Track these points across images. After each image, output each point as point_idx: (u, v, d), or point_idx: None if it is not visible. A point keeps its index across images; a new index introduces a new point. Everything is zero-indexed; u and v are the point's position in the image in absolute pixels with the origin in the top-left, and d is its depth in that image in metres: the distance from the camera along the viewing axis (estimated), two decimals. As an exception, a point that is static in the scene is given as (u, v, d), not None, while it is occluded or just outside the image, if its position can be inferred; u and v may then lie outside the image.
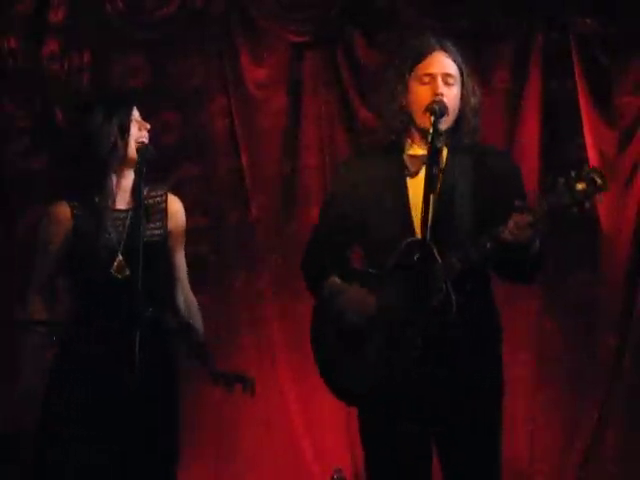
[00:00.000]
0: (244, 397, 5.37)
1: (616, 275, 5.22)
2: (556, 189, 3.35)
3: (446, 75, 3.57)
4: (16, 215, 5.43)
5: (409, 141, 3.64)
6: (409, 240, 3.49)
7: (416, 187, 3.55)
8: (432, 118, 3.48)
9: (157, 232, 3.76)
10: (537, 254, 3.47)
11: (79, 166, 3.73)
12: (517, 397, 5.22)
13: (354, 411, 3.68)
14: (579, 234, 5.11)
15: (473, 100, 3.62)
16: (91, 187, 3.70)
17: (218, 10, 5.48)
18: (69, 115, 5.36)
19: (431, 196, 3.40)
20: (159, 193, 3.80)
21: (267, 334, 5.46)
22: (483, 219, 3.52)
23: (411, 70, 3.61)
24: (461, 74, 3.61)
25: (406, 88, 3.60)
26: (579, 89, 5.25)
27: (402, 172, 3.60)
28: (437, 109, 3.49)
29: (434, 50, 3.60)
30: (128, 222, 3.71)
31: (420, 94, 3.57)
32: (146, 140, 3.71)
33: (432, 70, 3.57)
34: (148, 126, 3.72)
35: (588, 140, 5.25)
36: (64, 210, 3.72)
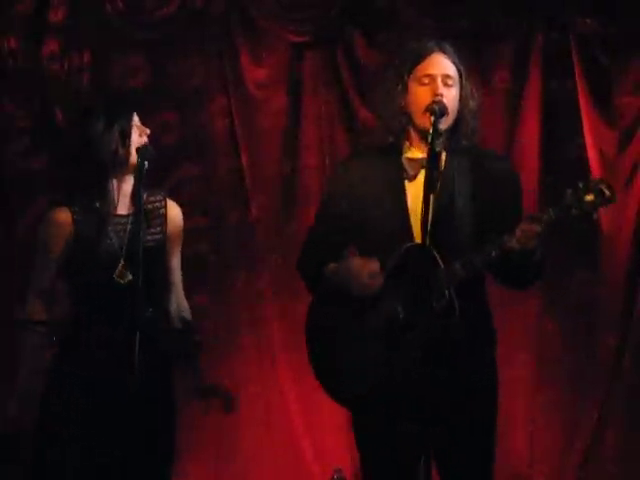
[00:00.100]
0: (244, 397, 5.41)
1: (616, 275, 5.22)
2: (564, 200, 3.37)
3: (445, 76, 3.58)
4: (16, 215, 5.43)
5: (407, 144, 3.65)
6: (409, 245, 3.50)
7: (414, 190, 3.56)
8: (432, 118, 3.48)
9: (157, 237, 3.77)
10: (539, 261, 3.48)
11: (79, 167, 3.73)
12: (517, 398, 5.23)
13: (354, 411, 3.69)
14: (579, 234, 5.10)
15: (472, 102, 3.63)
16: (91, 192, 3.70)
17: (218, 10, 5.48)
18: (69, 115, 5.36)
19: (431, 198, 3.40)
20: (158, 198, 3.81)
21: (267, 334, 5.46)
22: (482, 221, 3.54)
23: (410, 71, 3.61)
24: (460, 76, 3.62)
25: (405, 89, 3.61)
26: (579, 89, 5.26)
27: (401, 175, 3.61)
28: (437, 109, 3.50)
29: (433, 51, 3.61)
30: (129, 227, 3.72)
31: (420, 95, 3.57)
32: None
33: (432, 71, 3.58)
34: (148, 131, 3.73)
35: (588, 140, 5.25)
36: (65, 215, 3.71)
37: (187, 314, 3.85)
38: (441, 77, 3.58)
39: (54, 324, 3.70)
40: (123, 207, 3.74)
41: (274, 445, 5.41)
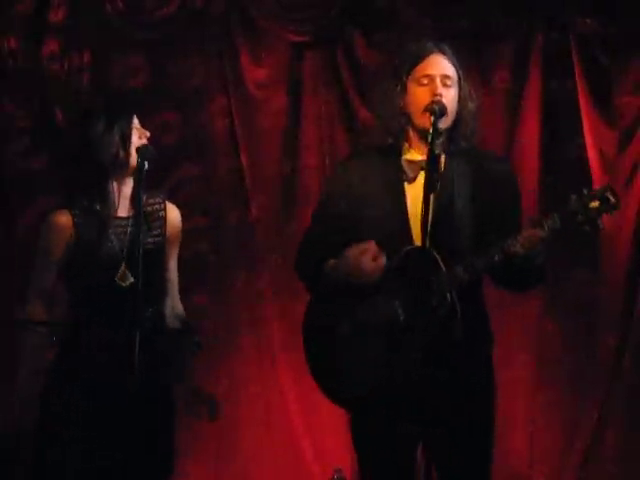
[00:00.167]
0: (244, 397, 5.41)
1: (616, 275, 5.22)
2: (569, 206, 3.38)
3: (444, 77, 3.59)
4: (16, 215, 5.43)
5: (406, 145, 3.65)
6: (410, 247, 3.50)
7: (414, 192, 3.56)
8: (432, 118, 3.48)
9: (157, 239, 3.77)
10: (540, 265, 3.49)
11: (79, 167, 3.73)
12: (517, 398, 5.23)
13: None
14: (579, 234, 5.10)
15: (470, 104, 3.63)
16: (92, 193, 3.70)
17: (218, 10, 5.48)
18: (69, 115, 5.36)
19: (431, 199, 3.40)
20: (157, 200, 3.81)
21: (267, 334, 5.46)
22: (482, 223, 3.54)
23: (409, 72, 3.62)
24: (458, 77, 3.62)
25: (404, 90, 3.61)
26: (579, 89, 5.25)
27: (400, 176, 3.61)
28: (437, 109, 3.50)
29: (432, 52, 3.62)
30: (129, 230, 3.72)
31: (419, 95, 3.58)
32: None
33: (430, 71, 3.59)
34: (148, 134, 3.73)
35: (588, 140, 5.25)
36: (65, 218, 3.71)
37: (181, 316, 3.85)
38: (440, 77, 3.58)
39: (54, 324, 3.70)
40: (123, 209, 3.74)
41: (274, 445, 5.41)
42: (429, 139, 3.45)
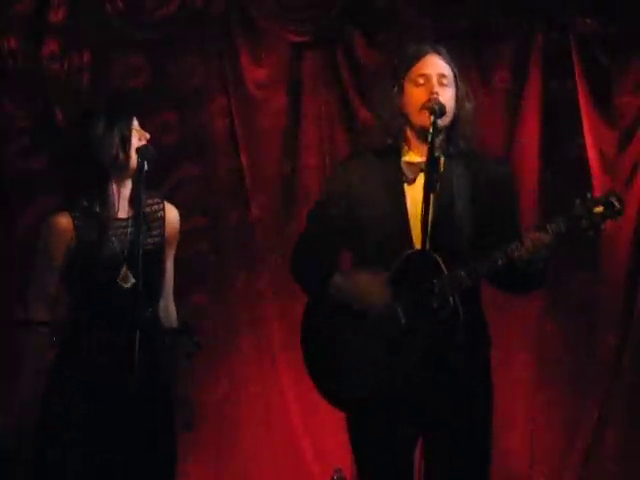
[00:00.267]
0: (244, 397, 5.41)
1: (616, 274, 5.22)
2: (574, 211, 3.39)
3: (441, 75, 3.60)
4: (16, 215, 5.43)
5: (406, 147, 3.65)
6: (410, 251, 3.50)
7: (413, 194, 3.56)
8: (432, 118, 3.49)
9: (156, 240, 3.77)
10: (542, 269, 3.49)
11: (79, 167, 3.72)
12: (517, 398, 5.23)
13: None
14: (581, 236, 5.10)
15: (467, 104, 3.65)
16: (92, 194, 3.69)
17: (218, 10, 5.48)
18: (69, 115, 5.36)
19: (431, 200, 3.41)
20: (156, 201, 3.81)
21: (267, 334, 5.46)
22: (481, 225, 3.55)
23: (405, 73, 3.63)
24: (455, 77, 3.63)
25: (401, 91, 3.63)
26: (579, 89, 5.25)
27: (400, 177, 3.61)
28: (437, 108, 3.51)
29: (427, 53, 3.64)
30: (129, 230, 3.71)
31: (415, 95, 3.59)
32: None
33: (426, 71, 3.60)
34: (147, 136, 3.72)
35: (588, 140, 5.25)
36: (66, 221, 3.70)
37: (173, 316, 3.85)
38: (436, 76, 3.59)
39: (56, 324, 3.69)
40: (122, 211, 3.74)
41: (274, 445, 5.41)
42: (429, 139, 3.46)
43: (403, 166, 3.63)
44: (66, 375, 3.67)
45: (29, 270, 3.77)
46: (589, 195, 3.43)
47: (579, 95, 5.26)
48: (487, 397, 3.61)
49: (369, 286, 3.52)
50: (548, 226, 3.42)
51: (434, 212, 3.43)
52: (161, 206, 3.81)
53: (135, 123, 3.73)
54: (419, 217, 3.42)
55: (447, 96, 3.58)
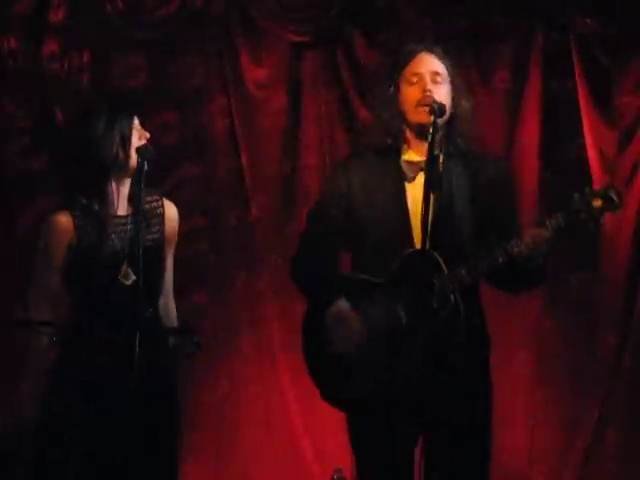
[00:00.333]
0: (244, 397, 5.41)
1: (616, 274, 5.22)
2: (572, 205, 3.39)
3: (434, 73, 3.62)
4: (16, 215, 5.43)
5: (405, 146, 3.66)
6: (411, 250, 3.50)
7: (413, 193, 3.57)
8: (432, 117, 3.49)
9: (155, 237, 3.77)
10: (542, 266, 3.50)
11: (79, 167, 3.72)
12: (517, 396, 5.23)
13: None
14: (580, 232, 5.09)
15: (465, 103, 3.66)
16: (91, 193, 3.69)
17: (218, 10, 5.48)
18: (69, 115, 5.36)
19: (431, 199, 3.41)
20: (155, 198, 3.81)
21: (267, 334, 5.46)
22: (481, 224, 3.56)
23: (400, 73, 3.66)
24: (449, 75, 3.64)
25: (397, 90, 3.65)
26: (579, 89, 5.25)
27: (400, 176, 3.62)
28: (437, 108, 3.51)
29: (420, 52, 3.67)
30: (129, 228, 3.71)
31: (409, 93, 3.62)
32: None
33: (419, 69, 3.63)
34: (148, 135, 3.73)
35: (588, 140, 5.25)
36: (66, 220, 3.70)
37: (173, 314, 3.85)
38: (429, 74, 3.61)
39: (57, 324, 3.69)
40: (122, 208, 3.74)
41: (274, 445, 5.40)
42: (429, 138, 3.46)
43: (403, 165, 3.64)
44: (67, 375, 3.67)
45: (29, 270, 3.77)
46: (587, 189, 3.44)
47: (579, 95, 5.26)
48: (487, 396, 3.62)
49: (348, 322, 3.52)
50: (547, 222, 3.43)
51: (434, 211, 3.43)
52: (160, 203, 3.81)
53: (136, 122, 3.73)
54: (419, 216, 3.42)
55: (441, 93, 3.60)
